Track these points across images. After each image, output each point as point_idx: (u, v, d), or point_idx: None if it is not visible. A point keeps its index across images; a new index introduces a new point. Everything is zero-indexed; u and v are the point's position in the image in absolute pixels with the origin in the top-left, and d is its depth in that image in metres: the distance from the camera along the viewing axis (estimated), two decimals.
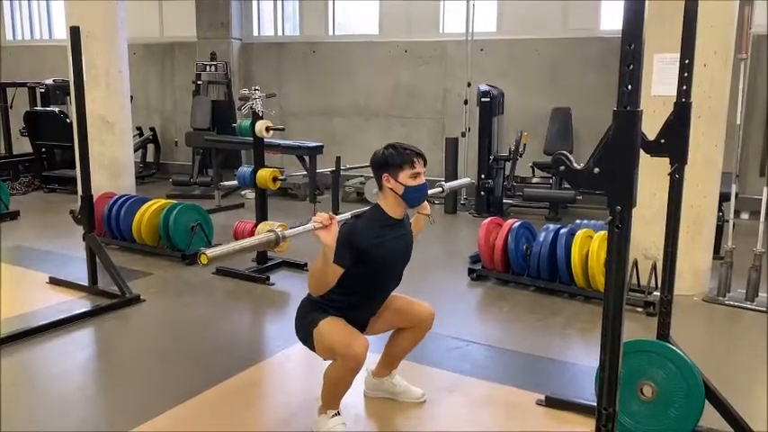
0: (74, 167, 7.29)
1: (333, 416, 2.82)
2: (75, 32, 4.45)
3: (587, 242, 4.62)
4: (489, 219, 5.23)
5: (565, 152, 1.65)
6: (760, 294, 4.58)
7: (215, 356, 3.76)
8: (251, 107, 5.13)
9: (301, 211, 7.50)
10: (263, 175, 5.20)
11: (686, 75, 2.57)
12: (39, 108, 9.72)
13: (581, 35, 8.12)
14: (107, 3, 7.11)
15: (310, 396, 3.10)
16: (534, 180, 7.99)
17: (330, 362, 2.78)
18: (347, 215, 2.81)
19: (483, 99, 7.48)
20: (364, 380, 3.22)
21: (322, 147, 7.41)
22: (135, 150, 8.97)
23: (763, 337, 4.04)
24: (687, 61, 2.57)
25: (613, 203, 1.47)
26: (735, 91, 4.61)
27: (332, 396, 2.82)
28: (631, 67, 1.44)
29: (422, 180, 2.80)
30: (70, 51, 4.48)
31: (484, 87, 7.56)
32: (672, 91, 2.63)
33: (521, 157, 7.51)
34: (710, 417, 2.70)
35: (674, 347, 2.69)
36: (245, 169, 5.52)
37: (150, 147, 10.41)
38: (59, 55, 9.04)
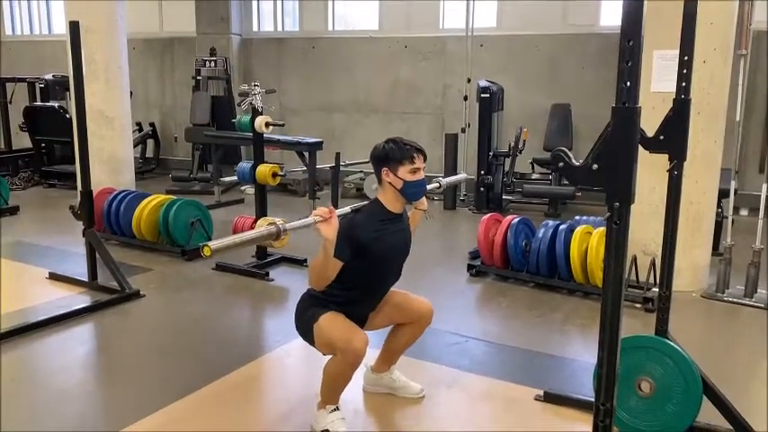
0: (73, 163, 7.30)
1: (332, 411, 2.83)
2: (74, 27, 4.45)
3: (586, 238, 4.62)
4: (489, 215, 5.23)
5: (564, 148, 1.65)
6: (759, 291, 4.59)
7: (214, 352, 3.77)
8: (251, 103, 5.13)
9: (301, 206, 7.50)
10: (263, 170, 5.20)
11: (685, 71, 2.57)
12: (38, 103, 9.72)
13: (581, 31, 8.12)
14: None
15: (309, 391, 3.11)
16: (534, 176, 7.99)
17: (330, 357, 2.78)
18: (347, 209, 2.81)
19: (483, 95, 7.48)
20: (363, 375, 3.23)
21: (321, 143, 7.41)
22: (134, 146, 8.96)
23: (762, 333, 4.05)
24: (686, 58, 2.57)
25: (612, 200, 1.48)
26: (734, 87, 4.61)
27: (331, 391, 2.83)
28: (630, 63, 1.44)
29: (421, 176, 2.80)
30: (70, 46, 4.48)
31: (484, 83, 7.56)
32: (671, 87, 2.63)
33: (520, 153, 7.51)
34: (708, 413, 2.71)
35: (672, 343, 2.70)
36: (244, 165, 5.52)
37: (150, 142, 10.41)
38: (59, 50, 9.05)
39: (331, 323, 2.74)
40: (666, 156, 2.60)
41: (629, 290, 4.48)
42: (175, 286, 4.98)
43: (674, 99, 2.57)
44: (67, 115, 8.50)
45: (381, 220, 2.81)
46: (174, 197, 5.97)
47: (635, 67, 1.44)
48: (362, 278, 2.80)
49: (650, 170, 4.16)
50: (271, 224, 2.42)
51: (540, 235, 4.82)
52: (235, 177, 6.13)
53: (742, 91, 4.56)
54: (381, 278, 2.92)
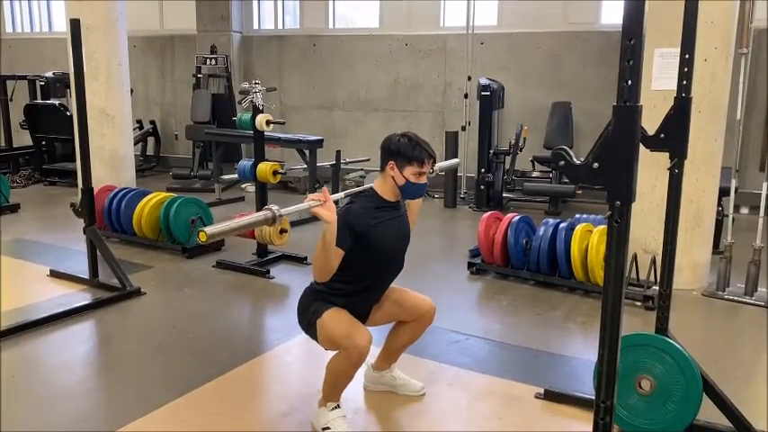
0: (74, 160, 7.31)
1: (333, 408, 2.84)
2: (75, 25, 4.45)
3: (587, 236, 4.63)
4: (489, 213, 5.23)
5: (564, 147, 1.65)
6: (759, 289, 4.59)
7: (215, 349, 3.77)
8: (251, 101, 5.13)
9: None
10: (264, 168, 5.20)
11: (686, 70, 2.57)
12: (39, 101, 9.72)
13: (581, 29, 8.12)
14: None
15: (310, 389, 3.12)
16: (534, 174, 7.99)
17: (332, 353, 2.79)
18: (341, 194, 2.81)
19: (483, 93, 7.48)
20: (364, 373, 3.23)
21: (322, 140, 7.41)
22: (135, 143, 8.97)
23: (762, 331, 4.05)
24: (687, 56, 2.57)
25: (613, 198, 1.48)
26: (735, 86, 4.61)
27: (333, 388, 2.83)
28: (631, 62, 1.44)
29: (424, 179, 2.81)
30: (70, 44, 4.48)
31: (484, 81, 7.56)
32: (672, 86, 2.63)
33: (521, 151, 7.52)
34: (708, 410, 2.71)
35: (672, 341, 2.70)
36: (245, 163, 5.52)
37: (150, 140, 10.42)
38: (59, 47, 9.05)
39: (334, 320, 2.74)
40: (667, 154, 2.60)
41: (629, 288, 4.48)
42: (176, 284, 4.98)
43: (674, 97, 2.57)
44: (68, 113, 8.50)
45: (378, 207, 2.80)
46: (175, 195, 5.97)
47: (636, 66, 1.44)
48: (365, 269, 2.80)
49: (651, 168, 4.17)
50: (266, 209, 2.40)
51: (541, 233, 4.83)
52: (235, 175, 6.13)
53: (743, 89, 4.56)
54: (383, 268, 2.91)
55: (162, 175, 9.64)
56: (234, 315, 4.41)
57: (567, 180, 7.24)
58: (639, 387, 2.71)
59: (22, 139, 10.00)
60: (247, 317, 4.58)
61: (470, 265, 5.23)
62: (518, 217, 5.01)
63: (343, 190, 3.04)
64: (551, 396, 3.15)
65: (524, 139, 7.47)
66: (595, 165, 1.52)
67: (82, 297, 4.53)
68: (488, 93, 7.47)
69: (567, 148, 1.63)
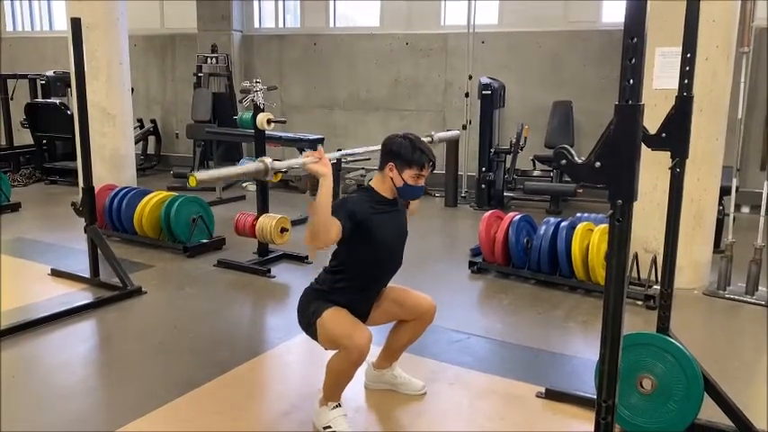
0: (75, 159, 7.31)
1: (333, 407, 2.84)
2: (75, 24, 4.45)
3: (588, 235, 4.62)
4: (490, 212, 5.23)
5: (566, 146, 1.65)
6: (760, 288, 4.59)
7: (216, 348, 3.77)
8: (252, 100, 5.13)
9: (302, 203, 7.50)
10: None
11: (688, 69, 2.57)
12: (39, 100, 9.72)
13: (582, 28, 8.11)
14: None
15: (311, 388, 3.12)
16: (535, 173, 7.98)
17: (332, 353, 2.79)
18: (337, 154, 2.82)
19: (484, 92, 7.47)
20: (365, 372, 3.23)
21: (323, 139, 7.41)
22: (136, 142, 8.96)
23: (763, 330, 4.05)
24: (689, 55, 2.57)
25: (614, 197, 1.48)
26: (736, 85, 4.61)
27: (334, 387, 2.83)
28: (633, 61, 1.44)
29: (422, 182, 2.82)
30: (71, 43, 4.48)
31: (485, 80, 7.55)
32: (673, 85, 2.63)
33: (521, 150, 7.51)
34: (710, 410, 2.71)
35: (673, 341, 2.70)
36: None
37: (151, 139, 10.41)
38: (60, 46, 9.05)
39: (334, 319, 2.74)
40: (668, 153, 2.60)
41: (630, 287, 4.47)
42: (177, 283, 4.98)
43: (676, 96, 2.57)
44: (69, 112, 8.49)
45: (376, 201, 2.82)
46: (176, 194, 5.97)
47: (638, 65, 1.43)
48: (365, 263, 2.81)
49: (652, 167, 4.16)
50: (260, 161, 2.39)
51: (542, 232, 4.82)
52: None
53: (744, 88, 4.56)
54: (382, 263, 2.90)
55: (163, 174, 9.63)
56: (235, 314, 4.41)
57: (567, 179, 7.25)
58: (641, 386, 2.71)
59: (23, 137, 10.00)
60: (248, 316, 4.58)
61: (471, 264, 5.23)
62: (519, 216, 5.01)
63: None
64: (552, 395, 3.15)
65: (525, 138, 7.47)
66: (597, 164, 1.51)
67: (83, 296, 4.53)
68: (489, 92, 7.46)
69: (569, 147, 1.63)
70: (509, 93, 8.03)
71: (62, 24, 11.28)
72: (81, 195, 4.82)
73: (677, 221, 2.69)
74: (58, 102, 9.09)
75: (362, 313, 2.89)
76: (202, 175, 2.16)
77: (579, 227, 4.65)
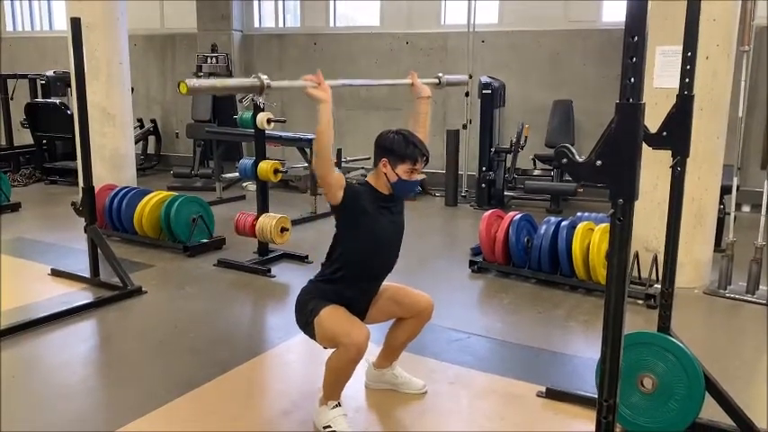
0: (75, 159, 7.31)
1: (334, 407, 2.83)
2: (75, 24, 4.44)
3: (588, 235, 4.62)
4: (490, 211, 5.23)
5: (567, 145, 1.65)
6: (761, 287, 4.59)
7: (216, 348, 3.77)
8: (252, 99, 5.12)
9: (302, 202, 7.50)
10: (265, 167, 5.20)
11: (688, 67, 2.57)
12: (39, 100, 9.72)
13: (582, 27, 8.10)
14: None
15: (311, 387, 3.12)
16: (535, 172, 7.99)
17: (331, 352, 2.78)
18: (339, 82, 2.85)
19: (484, 91, 7.47)
20: (365, 371, 3.23)
21: None
22: (136, 142, 8.96)
23: (764, 329, 4.05)
24: (689, 54, 2.56)
25: (615, 196, 1.47)
26: (737, 83, 4.60)
27: (333, 386, 2.83)
28: (634, 59, 1.44)
29: (417, 177, 2.82)
30: (71, 42, 4.47)
31: (485, 79, 7.55)
32: (674, 83, 2.63)
33: (522, 149, 7.51)
34: (711, 409, 2.70)
35: (674, 340, 2.70)
36: (246, 161, 5.51)
37: (151, 138, 10.42)
38: (60, 46, 9.04)
39: (332, 317, 2.74)
40: (669, 152, 2.60)
41: (631, 286, 4.47)
42: (177, 283, 4.98)
43: (676, 95, 2.57)
44: (69, 112, 8.49)
45: (379, 198, 2.83)
46: (176, 194, 5.96)
47: (639, 64, 1.43)
48: (360, 256, 2.81)
49: (652, 166, 4.15)
50: (255, 77, 2.37)
51: (542, 231, 4.82)
52: (236, 174, 6.12)
53: (744, 87, 4.55)
54: (379, 257, 2.89)
55: (163, 173, 9.63)
56: (235, 314, 4.41)
57: (568, 178, 7.25)
58: (642, 385, 2.70)
59: (23, 137, 10.00)
60: (248, 316, 4.57)
61: (472, 263, 5.23)
62: (519, 215, 5.00)
63: None
64: (553, 395, 3.14)
65: (525, 137, 7.46)
66: (598, 162, 1.51)
67: (83, 296, 4.53)
68: (489, 91, 7.46)
69: (570, 146, 1.63)
70: (509, 92, 8.03)
71: (62, 24, 11.28)
72: (81, 195, 4.81)
73: (678, 220, 2.69)
74: (58, 102, 9.08)
75: (360, 311, 2.89)
76: (193, 82, 2.11)
77: (580, 226, 4.65)
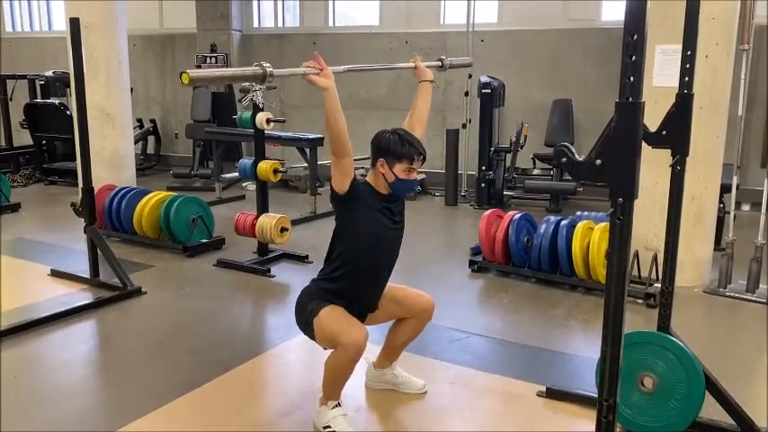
0: (74, 160, 7.29)
1: (333, 407, 2.83)
2: (74, 24, 4.44)
3: (588, 234, 4.62)
4: (490, 210, 5.23)
5: (567, 144, 1.64)
6: (761, 286, 4.59)
7: (216, 348, 3.77)
8: (251, 99, 5.12)
9: (302, 202, 7.50)
10: (264, 167, 5.20)
11: (688, 66, 2.57)
12: (39, 100, 9.71)
13: (582, 26, 8.10)
14: None
15: (311, 387, 3.12)
16: (535, 172, 7.98)
17: (331, 352, 2.78)
18: (341, 68, 2.83)
19: (484, 90, 7.47)
20: (365, 371, 3.23)
21: (323, 139, 7.39)
22: (135, 142, 8.95)
23: (764, 328, 4.05)
24: (689, 52, 2.56)
25: (615, 195, 1.47)
26: (736, 82, 4.60)
27: (333, 386, 2.83)
28: (634, 58, 1.44)
29: (414, 175, 2.81)
30: (70, 43, 4.47)
31: (485, 79, 7.55)
32: (673, 82, 2.63)
33: (521, 148, 7.51)
34: (711, 408, 2.70)
35: (674, 339, 2.70)
36: (245, 161, 5.51)
37: (151, 139, 10.41)
38: (59, 47, 9.04)
39: (331, 317, 2.74)
40: (668, 151, 2.60)
41: (631, 285, 4.47)
42: (177, 283, 4.98)
43: (676, 94, 2.56)
44: (68, 112, 8.48)
45: (381, 199, 2.83)
46: (176, 194, 5.96)
47: (639, 62, 1.43)
48: (361, 251, 2.80)
49: (652, 165, 4.14)
50: (257, 65, 2.33)
51: (542, 231, 4.82)
52: (236, 174, 6.13)
53: (744, 86, 4.55)
54: (379, 257, 2.87)
55: (162, 174, 9.63)
56: (235, 314, 4.41)
57: (568, 177, 7.25)
58: (642, 385, 2.70)
59: (23, 138, 9.99)
60: (248, 316, 4.57)
61: (471, 263, 5.22)
62: (519, 215, 5.00)
63: None
64: (553, 394, 3.14)
65: (525, 136, 7.46)
66: (598, 161, 1.51)
67: (83, 296, 4.52)
68: (489, 90, 7.46)
69: (570, 145, 1.63)
70: (509, 91, 8.02)
71: (61, 24, 11.27)
72: (80, 196, 4.81)
73: (678, 219, 2.69)
74: (57, 102, 9.08)
75: (361, 312, 2.88)
76: (195, 72, 2.11)
77: (580, 225, 4.65)
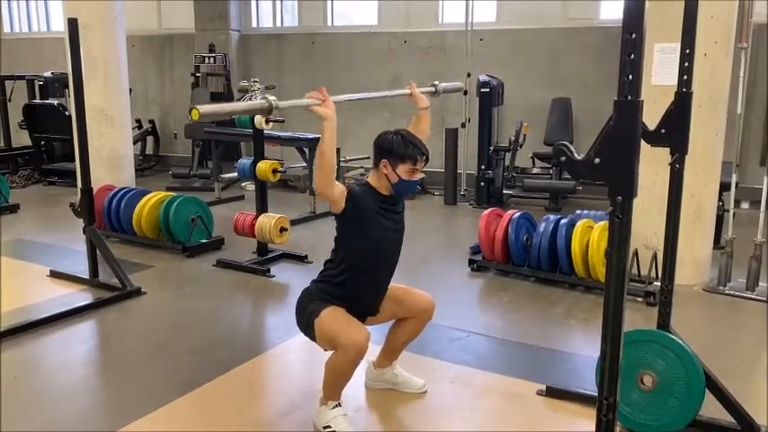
0: (73, 160, 7.28)
1: (334, 407, 2.83)
2: (73, 24, 4.44)
3: (588, 232, 4.62)
4: (489, 209, 5.23)
5: (566, 142, 1.64)
6: (760, 284, 4.59)
7: (216, 348, 3.77)
8: (250, 99, 5.12)
9: (301, 202, 7.50)
10: (263, 167, 5.20)
11: (687, 64, 2.56)
12: (37, 101, 9.71)
13: (580, 25, 8.10)
14: None
15: (311, 387, 3.11)
16: (534, 171, 7.99)
17: (332, 352, 2.78)
18: (344, 97, 2.88)
19: (483, 90, 7.47)
20: (365, 371, 3.22)
21: None
22: (134, 143, 8.95)
23: (764, 326, 4.05)
24: (688, 51, 2.56)
25: (614, 194, 1.47)
26: (735, 80, 4.60)
27: (333, 387, 2.82)
28: (632, 56, 1.43)
29: (417, 176, 2.81)
30: (68, 43, 4.47)
31: (483, 78, 7.55)
32: (672, 80, 2.63)
33: (521, 147, 7.51)
34: (711, 406, 2.70)
35: (674, 337, 2.70)
36: (244, 161, 5.52)
37: (149, 139, 10.40)
38: (57, 47, 9.02)
39: (332, 318, 2.74)
40: (667, 149, 2.60)
41: (630, 284, 4.47)
42: (176, 283, 4.98)
43: (675, 92, 2.56)
44: (67, 113, 8.48)
45: (380, 200, 2.82)
46: (175, 194, 5.96)
47: (637, 61, 1.43)
48: (363, 254, 2.80)
49: (651, 164, 4.15)
50: (263, 98, 2.42)
51: (542, 229, 4.82)
52: (235, 174, 6.13)
53: (743, 84, 4.55)
54: (379, 260, 2.88)
55: (161, 174, 9.62)
56: (234, 314, 4.41)
57: (567, 176, 7.25)
58: (642, 383, 2.70)
59: (21, 139, 9.98)
60: (248, 316, 4.57)
61: (471, 262, 5.22)
62: (518, 213, 5.00)
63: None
64: (553, 393, 3.14)
65: (524, 135, 7.46)
66: (597, 160, 1.51)
67: (82, 297, 4.52)
68: (488, 89, 7.46)
69: (569, 144, 1.63)
70: (508, 90, 8.02)
71: (59, 25, 11.24)
72: (79, 196, 4.81)
73: (677, 217, 2.69)
74: (56, 103, 9.07)
75: (362, 313, 2.88)
76: (204, 108, 2.15)
77: (579, 224, 4.65)
